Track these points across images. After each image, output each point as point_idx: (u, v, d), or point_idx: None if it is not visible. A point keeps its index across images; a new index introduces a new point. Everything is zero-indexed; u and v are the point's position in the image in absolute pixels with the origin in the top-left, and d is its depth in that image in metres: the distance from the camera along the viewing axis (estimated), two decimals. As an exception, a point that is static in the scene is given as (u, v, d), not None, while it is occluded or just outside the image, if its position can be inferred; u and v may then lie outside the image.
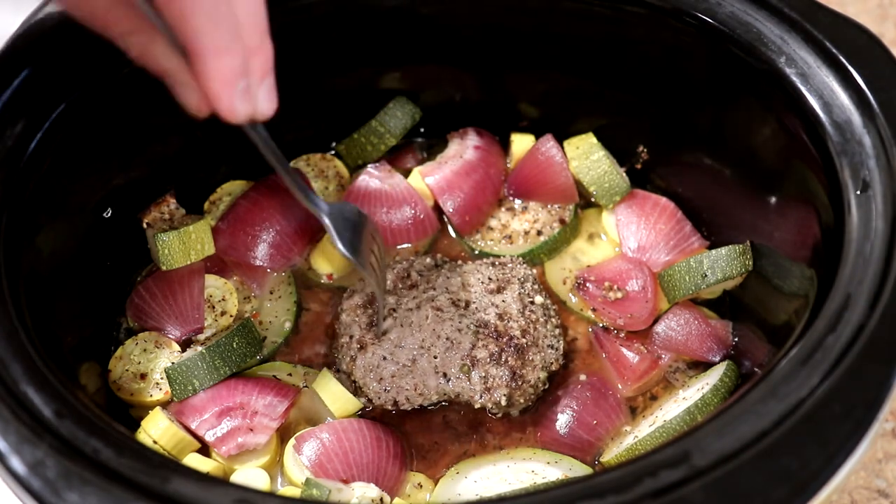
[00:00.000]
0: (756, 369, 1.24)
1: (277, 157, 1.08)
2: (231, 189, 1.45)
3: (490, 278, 1.32)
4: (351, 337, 1.27)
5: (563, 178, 1.43)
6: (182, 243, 1.30)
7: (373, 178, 1.45)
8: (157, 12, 0.90)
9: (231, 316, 1.33)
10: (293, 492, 1.18)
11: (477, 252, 1.43)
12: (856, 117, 1.10)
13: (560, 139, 1.45)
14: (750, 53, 1.20)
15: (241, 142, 1.43)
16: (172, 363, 1.24)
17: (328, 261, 1.40)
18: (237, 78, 0.93)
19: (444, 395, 1.24)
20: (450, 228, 1.46)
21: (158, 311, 1.31)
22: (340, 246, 1.16)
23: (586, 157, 1.42)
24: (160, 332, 1.30)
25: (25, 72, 1.14)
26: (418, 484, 1.22)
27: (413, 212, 1.42)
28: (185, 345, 1.30)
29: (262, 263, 1.38)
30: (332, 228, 1.16)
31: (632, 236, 1.41)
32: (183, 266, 1.31)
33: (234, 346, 1.26)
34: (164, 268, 1.30)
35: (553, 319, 1.32)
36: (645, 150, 1.44)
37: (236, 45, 0.91)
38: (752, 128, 1.26)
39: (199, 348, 1.26)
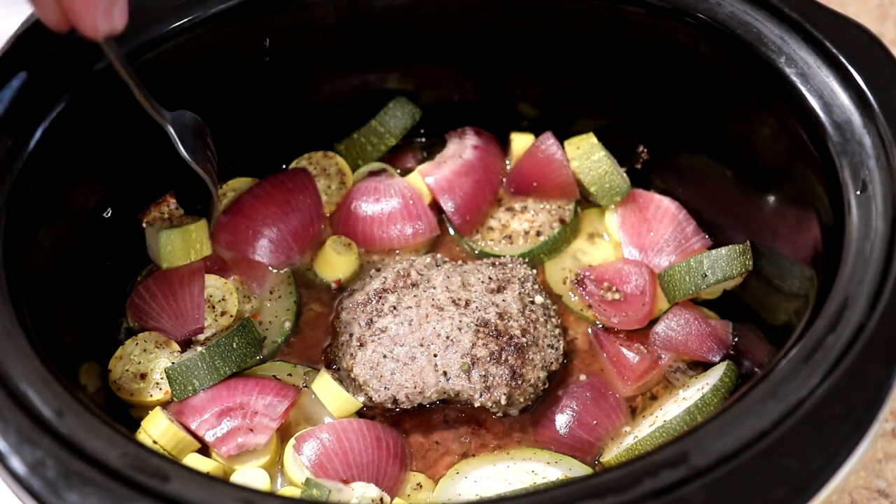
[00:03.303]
0: (756, 369, 1.24)
1: (125, 64, 1.14)
2: (236, 185, 1.45)
3: (490, 278, 1.32)
4: (351, 335, 1.27)
5: (563, 175, 1.43)
6: (184, 241, 1.30)
7: (373, 178, 1.45)
8: None
9: (231, 316, 1.33)
10: (293, 492, 1.18)
11: (477, 252, 1.44)
12: (856, 117, 1.10)
13: (560, 139, 1.45)
14: (750, 53, 1.20)
15: (248, 140, 1.44)
16: (172, 363, 1.24)
17: (333, 267, 1.40)
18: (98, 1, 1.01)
19: (444, 393, 1.24)
20: (450, 228, 1.47)
21: (158, 311, 1.31)
22: (183, 152, 1.23)
23: (587, 158, 1.42)
24: (160, 332, 1.30)
25: (25, 72, 1.14)
26: (418, 484, 1.22)
27: (413, 212, 1.42)
28: (184, 345, 1.30)
29: (261, 259, 1.38)
30: (174, 135, 1.23)
31: (633, 237, 1.41)
32: (183, 266, 1.31)
33: (234, 346, 1.26)
34: (164, 266, 1.30)
35: (553, 319, 1.32)
36: (645, 150, 1.45)
37: None
38: (752, 128, 1.26)
39: (199, 348, 1.26)
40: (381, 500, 1.15)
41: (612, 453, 1.23)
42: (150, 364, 1.26)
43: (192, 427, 1.21)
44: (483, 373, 1.23)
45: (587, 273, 1.38)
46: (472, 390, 1.23)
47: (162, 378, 1.25)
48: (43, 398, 0.93)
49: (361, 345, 1.26)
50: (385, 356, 1.24)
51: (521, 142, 1.49)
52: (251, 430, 1.21)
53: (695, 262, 1.31)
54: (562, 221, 1.44)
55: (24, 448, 0.88)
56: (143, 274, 1.37)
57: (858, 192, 1.06)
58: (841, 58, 1.14)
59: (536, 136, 1.48)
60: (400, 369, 1.24)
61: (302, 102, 1.45)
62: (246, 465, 1.20)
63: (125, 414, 1.25)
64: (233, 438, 1.20)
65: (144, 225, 1.36)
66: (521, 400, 1.25)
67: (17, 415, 0.91)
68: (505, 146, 1.51)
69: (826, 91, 1.13)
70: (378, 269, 1.35)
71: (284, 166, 1.49)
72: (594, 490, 0.87)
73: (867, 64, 1.13)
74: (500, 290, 1.30)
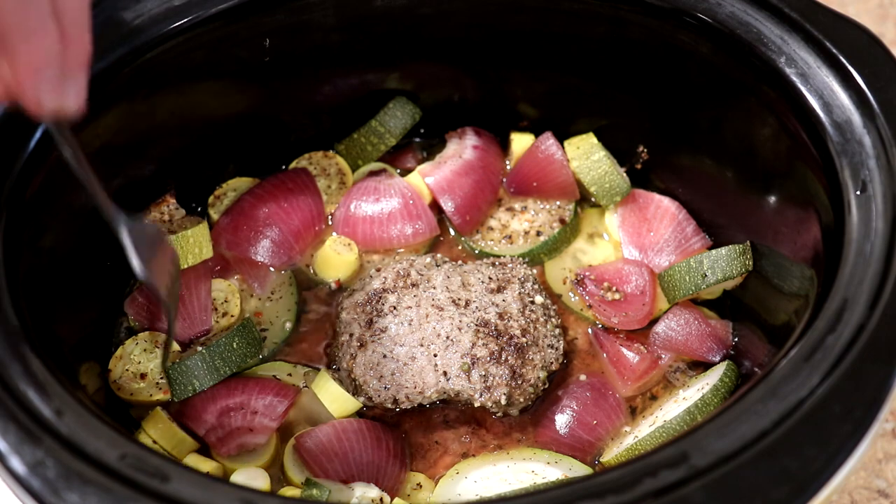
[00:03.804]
0: (756, 369, 1.24)
1: (82, 163, 0.99)
2: (237, 185, 1.45)
3: (490, 278, 1.32)
4: (351, 335, 1.27)
5: (563, 175, 1.43)
6: (180, 247, 1.30)
7: (373, 178, 1.45)
8: None
9: (233, 316, 1.33)
10: (293, 492, 1.18)
11: (477, 252, 1.44)
12: (856, 117, 1.10)
13: (560, 139, 1.45)
14: (750, 53, 1.20)
15: (249, 141, 1.44)
16: (173, 363, 1.24)
17: (333, 267, 1.40)
18: (46, 64, 0.84)
19: (444, 393, 1.24)
20: (450, 228, 1.47)
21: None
22: (136, 262, 1.06)
23: (587, 158, 1.42)
24: (165, 332, 1.29)
25: (25, 72, 1.14)
26: (418, 484, 1.22)
27: (413, 212, 1.42)
28: (185, 344, 1.30)
29: (263, 259, 1.38)
30: (130, 244, 1.06)
31: (632, 237, 1.41)
32: (189, 268, 1.31)
33: (235, 346, 1.26)
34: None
35: (553, 319, 1.32)
36: (645, 150, 1.45)
37: (48, 27, 0.83)
38: (752, 128, 1.26)
39: (200, 348, 1.26)
40: (381, 500, 1.15)
41: (612, 453, 1.23)
42: (150, 363, 1.26)
43: (192, 427, 1.21)
44: (483, 373, 1.23)
45: (587, 273, 1.38)
46: (472, 390, 1.23)
47: (162, 378, 1.25)
48: (43, 398, 0.93)
49: (361, 345, 1.26)
50: (385, 356, 1.24)
51: (521, 142, 1.49)
52: (251, 430, 1.21)
53: (695, 262, 1.31)
54: (562, 221, 1.44)
55: (24, 448, 0.88)
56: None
57: (858, 192, 1.06)
58: (841, 58, 1.14)
59: (536, 136, 1.48)
60: (400, 369, 1.24)
61: (302, 102, 1.45)
62: (246, 465, 1.20)
63: (125, 414, 1.25)
64: (233, 439, 1.20)
65: (144, 226, 1.36)
66: (521, 400, 1.25)
67: (17, 415, 0.91)
68: (505, 146, 1.51)
69: (826, 91, 1.13)
70: (378, 269, 1.35)
71: (284, 166, 1.49)
72: (594, 490, 0.87)
73: (867, 64, 1.13)
74: (500, 290, 1.30)
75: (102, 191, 1.03)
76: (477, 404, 1.23)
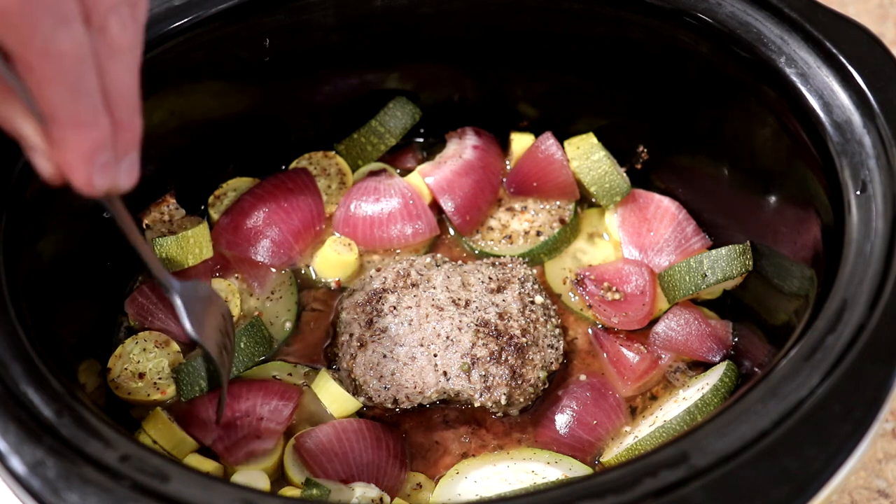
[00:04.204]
0: (756, 369, 1.24)
1: (134, 232, 1.01)
2: (236, 185, 1.45)
3: (490, 278, 1.32)
4: (351, 335, 1.27)
5: (563, 175, 1.43)
6: (180, 248, 1.30)
7: (373, 178, 1.45)
8: (15, 74, 0.80)
9: (233, 316, 1.33)
10: (293, 492, 1.18)
11: (477, 252, 1.44)
12: (856, 117, 1.10)
13: (560, 139, 1.45)
14: (750, 53, 1.20)
15: (248, 140, 1.44)
16: (181, 363, 1.24)
17: (333, 267, 1.40)
18: (97, 152, 0.85)
19: (444, 393, 1.24)
20: (450, 228, 1.47)
21: (165, 312, 1.30)
22: (188, 326, 1.08)
23: (587, 158, 1.42)
24: (164, 332, 1.30)
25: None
26: (418, 484, 1.22)
27: (413, 212, 1.42)
28: (185, 345, 1.30)
29: (262, 259, 1.38)
30: (182, 309, 1.09)
31: (632, 237, 1.41)
32: (189, 269, 1.31)
33: (243, 346, 1.26)
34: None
35: (553, 319, 1.32)
36: (645, 150, 1.45)
37: (100, 118, 0.84)
38: (752, 128, 1.26)
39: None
40: (381, 500, 1.15)
41: (612, 453, 1.23)
42: (148, 363, 1.26)
43: (199, 437, 1.20)
44: (483, 373, 1.23)
45: (587, 273, 1.38)
46: (472, 390, 1.23)
47: (160, 378, 1.25)
48: (43, 398, 0.93)
49: (361, 345, 1.26)
50: (385, 356, 1.24)
51: (521, 142, 1.49)
52: (258, 437, 1.20)
53: (695, 262, 1.31)
54: (562, 221, 1.44)
55: (24, 448, 0.88)
56: (144, 273, 1.37)
57: (858, 192, 1.06)
58: (841, 58, 1.14)
59: (536, 136, 1.48)
60: (400, 369, 1.24)
61: (302, 102, 1.45)
62: (249, 467, 1.20)
63: (125, 414, 1.25)
64: (241, 447, 1.20)
65: (145, 227, 1.36)
66: (521, 400, 1.25)
67: (17, 415, 0.91)
68: (505, 146, 1.52)
69: (826, 91, 1.13)
70: (378, 269, 1.35)
71: (284, 166, 1.49)
72: (594, 490, 0.87)
73: (867, 64, 1.13)
74: (500, 290, 1.30)
75: (155, 258, 1.05)
76: (477, 404, 1.23)
